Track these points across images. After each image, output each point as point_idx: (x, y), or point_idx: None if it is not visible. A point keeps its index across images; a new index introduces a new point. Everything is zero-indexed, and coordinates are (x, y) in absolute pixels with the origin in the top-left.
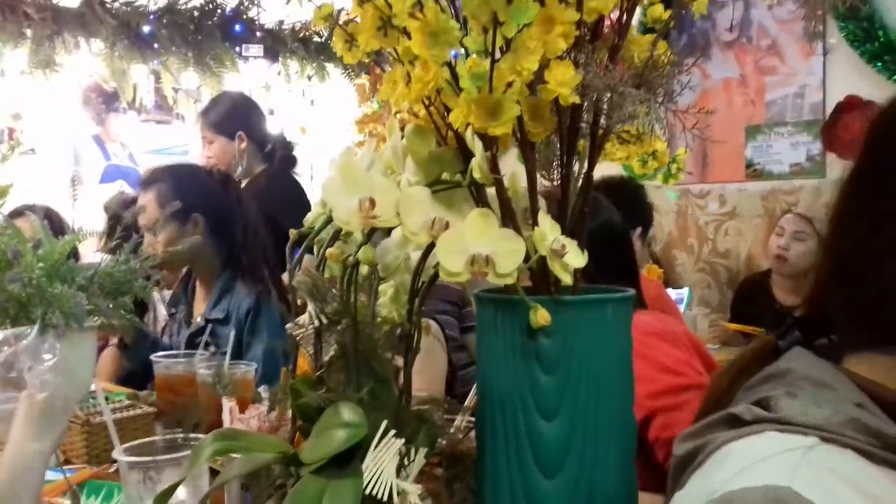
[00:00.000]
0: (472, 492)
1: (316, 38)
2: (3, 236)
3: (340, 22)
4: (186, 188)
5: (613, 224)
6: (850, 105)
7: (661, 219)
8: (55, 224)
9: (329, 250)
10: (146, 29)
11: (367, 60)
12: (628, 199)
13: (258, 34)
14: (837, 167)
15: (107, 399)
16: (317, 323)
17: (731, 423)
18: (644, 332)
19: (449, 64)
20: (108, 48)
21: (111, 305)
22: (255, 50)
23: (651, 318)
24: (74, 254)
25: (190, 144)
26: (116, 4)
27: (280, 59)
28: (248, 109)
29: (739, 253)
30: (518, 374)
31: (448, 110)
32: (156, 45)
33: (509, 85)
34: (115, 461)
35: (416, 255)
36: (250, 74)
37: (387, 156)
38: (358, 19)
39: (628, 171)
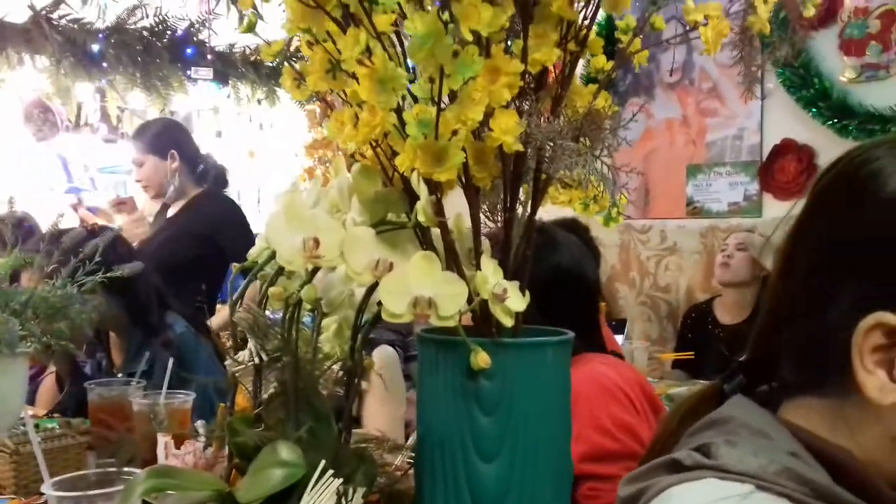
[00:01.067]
0: None
1: (267, 63)
2: None
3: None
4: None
5: (571, 264)
6: (786, 148)
7: (605, 252)
8: (30, 232)
9: (271, 290)
10: (94, 47)
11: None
12: (581, 240)
13: (208, 57)
14: (773, 207)
15: (37, 427)
16: (257, 360)
17: (673, 467)
18: (596, 385)
19: (396, 109)
20: (53, 65)
21: (46, 331)
22: (205, 72)
23: (609, 370)
24: (14, 277)
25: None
26: (63, 21)
27: (230, 82)
28: (178, 129)
29: (679, 287)
30: (458, 415)
31: (395, 152)
32: (103, 64)
33: (454, 132)
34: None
35: (360, 291)
36: (199, 96)
37: (332, 195)
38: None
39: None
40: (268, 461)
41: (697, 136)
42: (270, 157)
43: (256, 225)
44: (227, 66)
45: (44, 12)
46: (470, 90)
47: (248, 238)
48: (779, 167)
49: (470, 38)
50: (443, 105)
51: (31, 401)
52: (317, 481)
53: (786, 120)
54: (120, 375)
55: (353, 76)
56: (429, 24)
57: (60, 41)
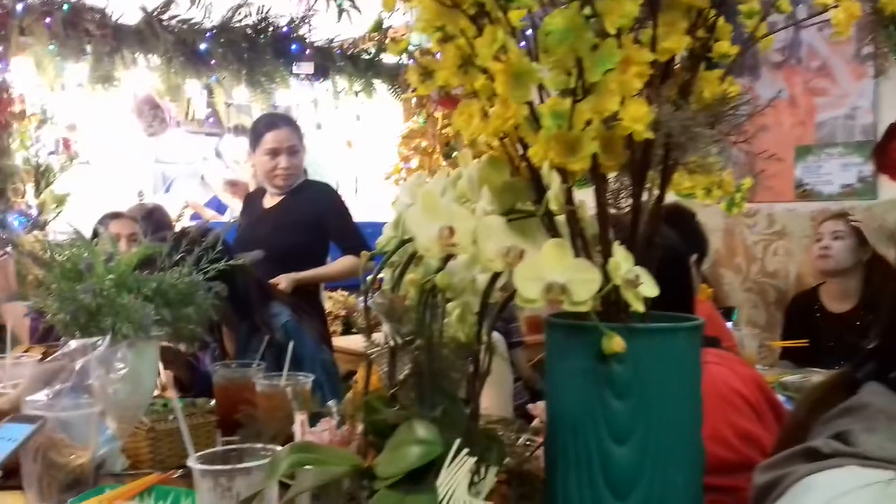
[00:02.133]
0: None
1: (364, 56)
2: (75, 248)
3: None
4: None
5: (674, 251)
6: None
7: (709, 237)
8: (160, 223)
9: (408, 276)
10: (202, 46)
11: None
12: (684, 227)
13: (308, 52)
14: (889, 188)
15: (164, 407)
16: (392, 343)
17: (810, 455)
18: (712, 391)
19: (528, 102)
20: (164, 63)
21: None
22: (307, 67)
23: (725, 372)
24: (146, 265)
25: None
26: (173, 21)
27: (329, 75)
28: None
29: (788, 273)
30: (590, 399)
31: (523, 143)
32: (211, 62)
33: (588, 122)
34: (180, 467)
35: (481, 277)
36: (299, 90)
37: (461, 185)
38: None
39: (681, 198)
40: (405, 439)
41: (806, 116)
42: (367, 147)
43: (355, 212)
44: (327, 60)
45: (155, 13)
46: (607, 82)
47: (351, 224)
48: (894, 147)
49: (613, 32)
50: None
51: None
52: (452, 459)
53: None
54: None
55: (485, 71)
56: (570, 19)
57: (171, 40)
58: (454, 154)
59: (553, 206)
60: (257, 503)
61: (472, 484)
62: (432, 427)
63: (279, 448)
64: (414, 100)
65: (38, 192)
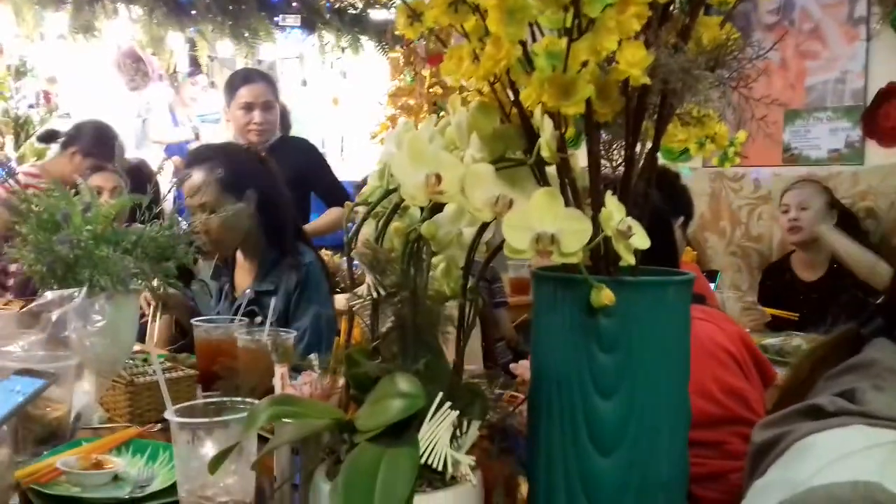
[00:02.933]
0: (521, 465)
1: (351, 10)
2: (52, 198)
3: None
4: (238, 166)
5: (659, 212)
6: (893, 92)
7: (693, 201)
8: (143, 177)
9: (392, 225)
10: None
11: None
12: (670, 189)
13: (294, 4)
14: (877, 154)
15: (144, 361)
16: (375, 294)
17: (814, 413)
18: (698, 346)
19: (521, 42)
20: (146, 14)
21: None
22: (293, 20)
23: (710, 327)
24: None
25: (222, 112)
26: None
27: (315, 29)
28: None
29: (773, 237)
30: (576, 352)
31: (514, 87)
32: (193, 13)
33: (584, 64)
34: (158, 421)
35: (468, 231)
36: (284, 45)
37: (450, 132)
38: None
39: (666, 158)
40: (387, 392)
41: (796, 79)
42: (354, 105)
43: (340, 172)
44: (313, 14)
45: None
46: (605, 19)
47: (333, 177)
48: (884, 113)
49: None
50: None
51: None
52: (434, 412)
53: (893, 62)
54: (248, 291)
55: (476, 9)
56: None
57: None
58: (441, 113)
59: (545, 154)
60: (235, 455)
61: (453, 438)
62: (415, 380)
63: (258, 402)
64: (401, 57)
65: (17, 145)
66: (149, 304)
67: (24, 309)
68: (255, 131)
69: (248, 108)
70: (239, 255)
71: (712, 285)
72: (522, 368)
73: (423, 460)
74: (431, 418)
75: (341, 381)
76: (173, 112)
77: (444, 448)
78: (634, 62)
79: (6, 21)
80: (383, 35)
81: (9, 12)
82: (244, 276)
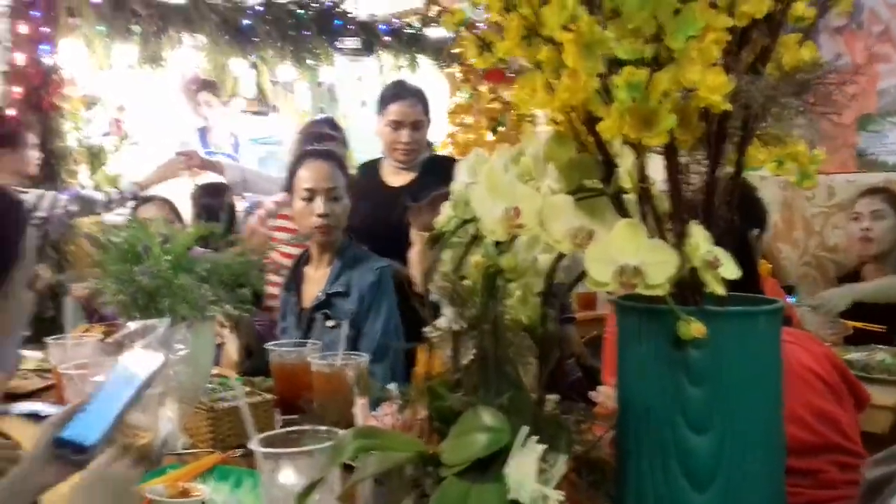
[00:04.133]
0: (610, 499)
1: (407, 30)
2: (131, 229)
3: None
4: (342, 165)
5: (740, 232)
6: None
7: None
8: (215, 203)
9: (474, 259)
10: (246, 23)
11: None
12: (745, 200)
13: (352, 27)
14: None
15: (222, 385)
16: (455, 327)
17: None
18: (787, 370)
19: (599, 74)
20: (210, 43)
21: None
22: (352, 42)
23: (797, 350)
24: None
25: (283, 135)
26: (218, 0)
27: (373, 51)
28: None
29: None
30: (664, 385)
31: (591, 118)
32: (255, 40)
33: (665, 94)
34: (240, 446)
35: (543, 258)
36: (342, 67)
37: (525, 162)
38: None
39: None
40: (472, 426)
41: (868, 83)
42: None
43: None
44: (371, 36)
45: None
46: (688, 49)
47: None
48: None
49: None
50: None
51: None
52: (521, 447)
53: None
54: (319, 294)
55: (552, 41)
56: None
57: (216, 20)
58: (499, 129)
59: (626, 184)
60: (320, 488)
61: (540, 472)
62: (499, 414)
63: (340, 431)
64: (459, 75)
65: (92, 173)
66: (222, 326)
67: (110, 340)
68: (401, 150)
69: (397, 126)
70: (309, 268)
71: (790, 298)
72: (603, 396)
73: (510, 496)
74: (517, 453)
75: (422, 413)
76: (205, 137)
77: (531, 483)
78: (715, 88)
79: (77, 53)
80: (440, 53)
81: (79, 45)
82: (313, 288)
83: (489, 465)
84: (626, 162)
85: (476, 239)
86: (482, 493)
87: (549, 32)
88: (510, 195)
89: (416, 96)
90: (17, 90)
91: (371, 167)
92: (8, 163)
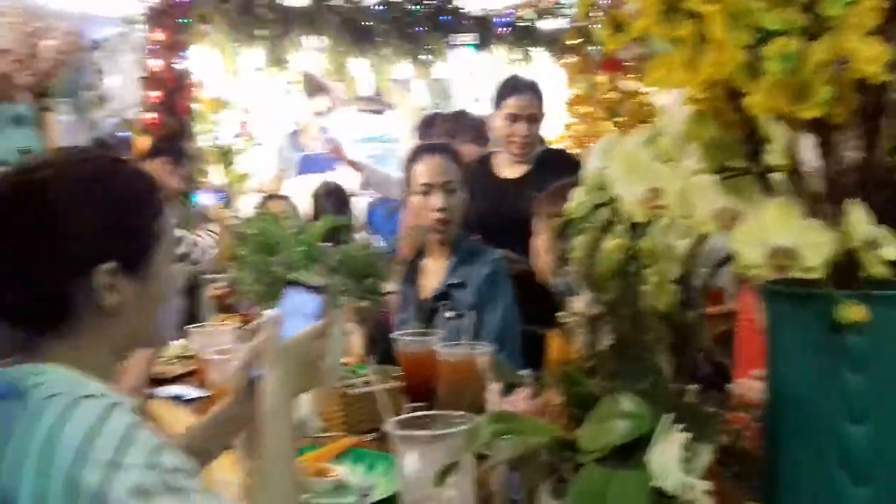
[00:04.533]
0: (755, 492)
1: (521, 23)
2: (264, 223)
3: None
4: (456, 158)
5: None
6: None
7: None
8: (340, 199)
9: (613, 242)
10: (366, 24)
11: (574, 42)
12: None
13: (465, 22)
14: None
15: (353, 373)
16: (593, 311)
17: None
18: None
19: (746, 46)
20: (331, 44)
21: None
22: (467, 38)
23: None
24: (329, 239)
25: (400, 133)
26: (339, 1)
27: (487, 45)
28: None
29: None
30: (820, 374)
31: (734, 93)
32: (376, 39)
33: (819, 65)
34: (371, 431)
35: (680, 243)
36: (457, 63)
37: (662, 142)
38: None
39: None
40: (611, 412)
41: None
42: None
43: None
44: (485, 30)
45: None
46: (847, 16)
47: None
48: None
49: None
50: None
51: None
52: (663, 434)
53: None
54: (437, 286)
55: (693, 15)
56: None
57: (337, 21)
58: (616, 119)
59: (779, 161)
60: (454, 472)
61: (683, 462)
62: (640, 401)
63: (474, 416)
64: (576, 64)
65: (224, 173)
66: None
67: (247, 327)
68: (517, 144)
69: (513, 119)
70: (427, 260)
71: None
72: (745, 387)
73: (653, 483)
74: (660, 440)
75: (556, 399)
76: (296, 140)
77: (675, 472)
78: (872, 58)
79: (206, 59)
80: (555, 44)
81: (208, 51)
82: (431, 280)
83: (630, 453)
84: (778, 139)
85: (610, 224)
86: (624, 479)
87: (691, 5)
88: (650, 176)
89: (531, 90)
90: (155, 94)
91: (483, 161)
92: (171, 175)
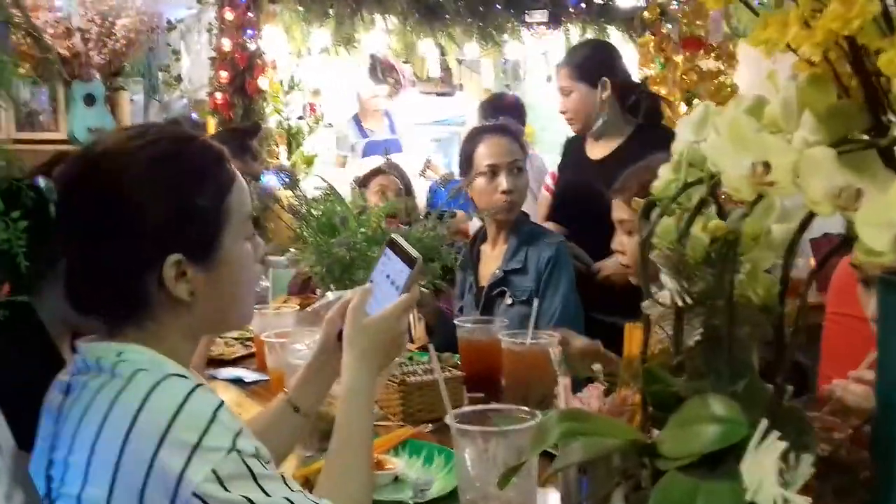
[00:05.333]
0: None
1: (596, 0)
2: (328, 203)
3: None
4: (518, 138)
5: None
6: None
7: None
8: (403, 182)
9: (713, 224)
10: (436, 1)
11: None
12: None
13: (538, 0)
14: None
15: (411, 360)
16: (679, 303)
17: None
18: None
19: None
20: (400, 23)
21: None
22: (540, 15)
23: None
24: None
25: (468, 115)
26: None
27: (561, 24)
28: (610, 52)
29: None
30: None
31: (857, 54)
32: (445, 17)
33: None
34: (430, 421)
35: (777, 228)
36: (529, 43)
37: (770, 111)
38: None
39: None
40: (699, 415)
41: None
42: None
43: None
44: (558, 8)
45: None
46: None
47: None
48: None
49: None
50: None
51: None
52: (759, 442)
53: None
54: (496, 271)
55: None
56: None
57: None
58: (695, 102)
59: None
60: (520, 472)
61: (780, 473)
62: (733, 404)
63: (538, 413)
64: (652, 44)
65: (290, 154)
66: None
67: (308, 308)
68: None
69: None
70: (486, 245)
71: None
72: (841, 390)
73: (747, 497)
74: (754, 449)
75: (633, 397)
76: (359, 124)
77: (771, 486)
78: None
79: (278, 40)
80: (630, 23)
81: (280, 31)
82: (490, 265)
83: (718, 462)
84: None
85: (704, 204)
86: (713, 491)
87: None
88: (758, 148)
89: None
90: (224, 75)
91: (575, 141)
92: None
